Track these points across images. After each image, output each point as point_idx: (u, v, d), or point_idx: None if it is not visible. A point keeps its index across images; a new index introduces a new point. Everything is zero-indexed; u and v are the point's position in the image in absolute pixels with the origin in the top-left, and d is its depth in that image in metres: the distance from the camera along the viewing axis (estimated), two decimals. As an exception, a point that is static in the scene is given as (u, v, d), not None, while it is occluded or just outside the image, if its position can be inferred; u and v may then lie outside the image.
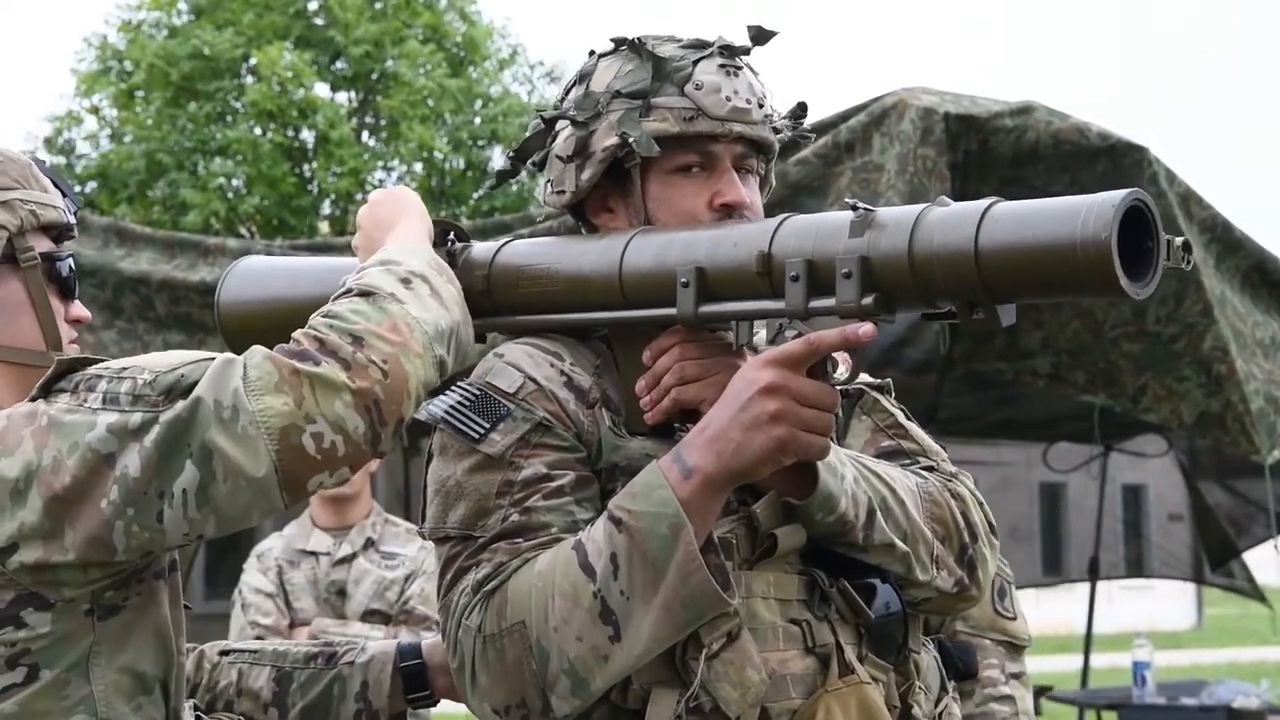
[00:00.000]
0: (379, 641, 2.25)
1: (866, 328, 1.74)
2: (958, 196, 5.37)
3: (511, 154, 2.09)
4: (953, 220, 1.72)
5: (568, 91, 2.07)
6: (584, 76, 2.05)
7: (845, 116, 5.26)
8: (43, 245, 1.98)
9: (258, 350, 1.75)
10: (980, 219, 1.70)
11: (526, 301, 2.02)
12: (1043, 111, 5.41)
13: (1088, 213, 1.64)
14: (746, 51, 2.02)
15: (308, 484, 1.74)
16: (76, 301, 2.03)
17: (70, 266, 2.01)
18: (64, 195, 2.03)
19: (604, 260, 1.96)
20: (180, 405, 1.72)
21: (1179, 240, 1.72)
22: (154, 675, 1.88)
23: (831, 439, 2.02)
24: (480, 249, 2.09)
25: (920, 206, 1.77)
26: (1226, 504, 9.73)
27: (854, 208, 1.79)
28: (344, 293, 1.83)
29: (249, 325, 2.20)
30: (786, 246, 1.82)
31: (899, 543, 1.94)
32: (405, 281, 1.83)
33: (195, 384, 1.74)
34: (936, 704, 2.06)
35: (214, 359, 1.76)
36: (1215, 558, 10.28)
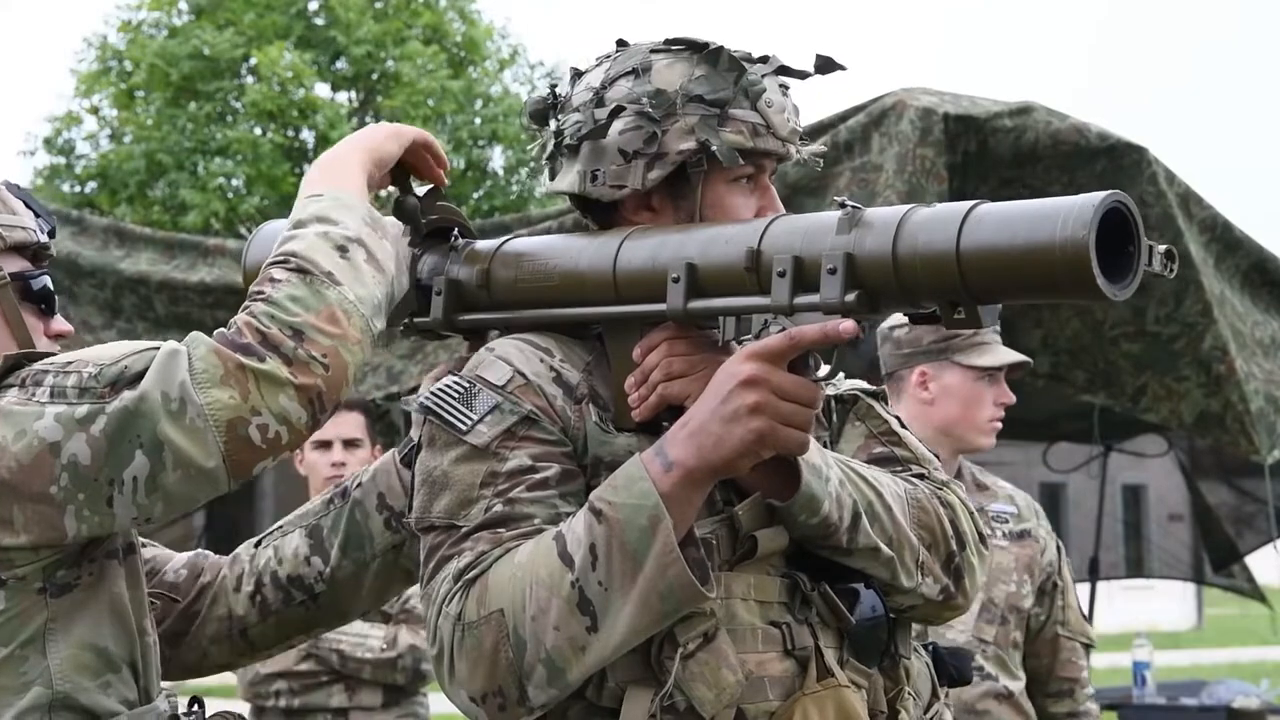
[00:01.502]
0: (377, 461, 2.29)
1: (847, 324, 1.75)
2: (956, 197, 5.38)
3: (576, 137, 2.03)
4: (936, 221, 1.74)
5: (607, 83, 2.03)
6: (641, 71, 2.02)
7: (844, 117, 5.26)
8: (14, 265, 2.06)
9: (200, 341, 1.83)
10: (963, 221, 1.72)
11: (523, 298, 2.03)
12: (1042, 112, 5.40)
13: (1067, 214, 1.65)
14: (804, 76, 2.04)
15: (253, 469, 1.85)
16: (58, 316, 2.11)
17: (47, 284, 2.09)
18: (37, 215, 2.11)
19: (599, 257, 1.97)
20: (127, 396, 1.81)
21: (1162, 247, 1.73)
22: (119, 654, 1.94)
23: (825, 443, 2.02)
24: (481, 245, 2.11)
25: (907, 207, 1.79)
26: (1230, 501, 9.72)
27: (842, 205, 1.81)
28: (279, 262, 1.89)
29: None
30: (776, 244, 1.84)
31: (884, 547, 1.94)
32: (342, 249, 1.90)
33: (140, 375, 1.83)
34: (927, 710, 2.06)
35: (157, 348, 1.85)
36: (1218, 560, 10.27)
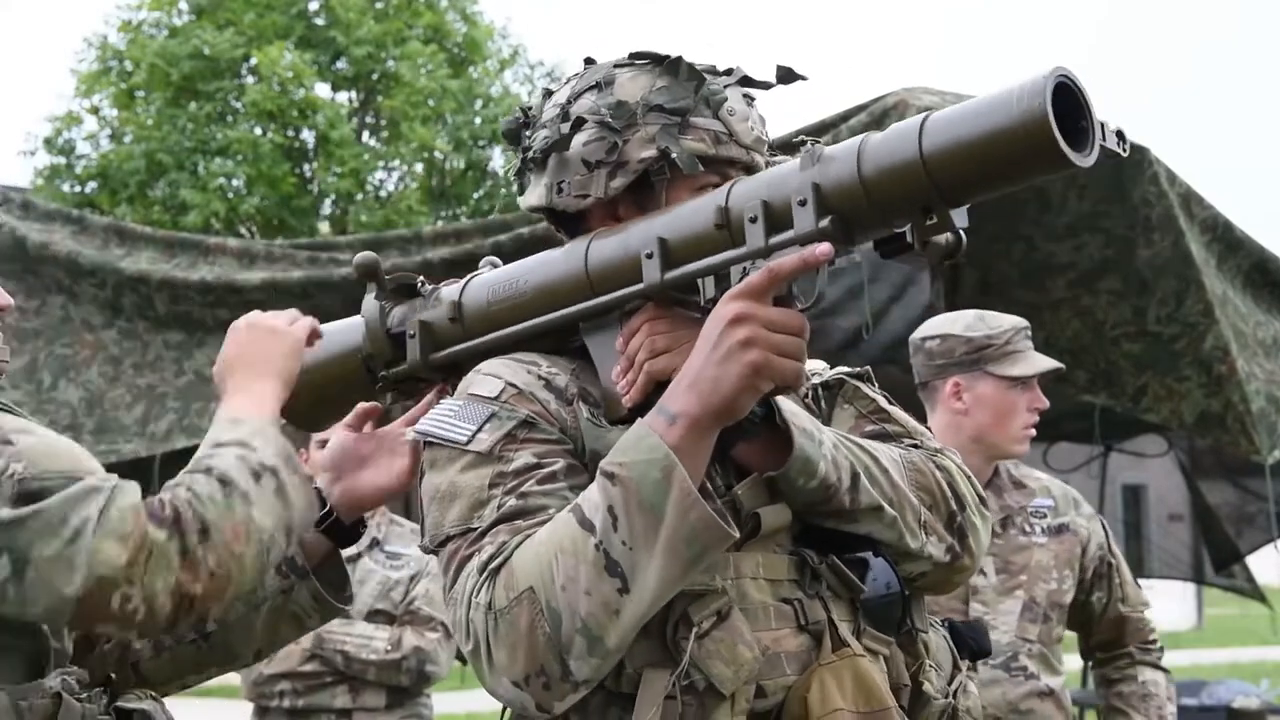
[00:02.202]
0: None
1: (823, 246, 1.77)
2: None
3: (542, 151, 2.08)
4: (894, 136, 1.79)
5: (573, 98, 2.08)
6: (605, 85, 2.06)
7: (845, 116, 5.27)
8: None
9: (130, 493, 1.91)
10: (920, 128, 1.77)
11: (498, 321, 2.07)
12: (1043, 111, 5.40)
13: (1019, 92, 1.70)
14: (768, 86, 2.06)
15: (95, 627, 1.91)
16: None
17: None
18: None
19: (569, 261, 2.01)
20: (25, 510, 1.88)
21: (1114, 126, 1.77)
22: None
23: (817, 417, 2.03)
24: (447, 287, 2.15)
25: (863, 134, 1.84)
26: (1232, 500, 9.73)
27: (801, 143, 1.85)
28: (204, 470, 1.98)
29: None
30: (742, 197, 1.87)
31: (887, 507, 1.96)
32: (256, 475, 2.00)
33: (49, 493, 1.89)
34: (950, 682, 2.08)
35: (88, 480, 1.92)
36: (1219, 559, 10.28)
